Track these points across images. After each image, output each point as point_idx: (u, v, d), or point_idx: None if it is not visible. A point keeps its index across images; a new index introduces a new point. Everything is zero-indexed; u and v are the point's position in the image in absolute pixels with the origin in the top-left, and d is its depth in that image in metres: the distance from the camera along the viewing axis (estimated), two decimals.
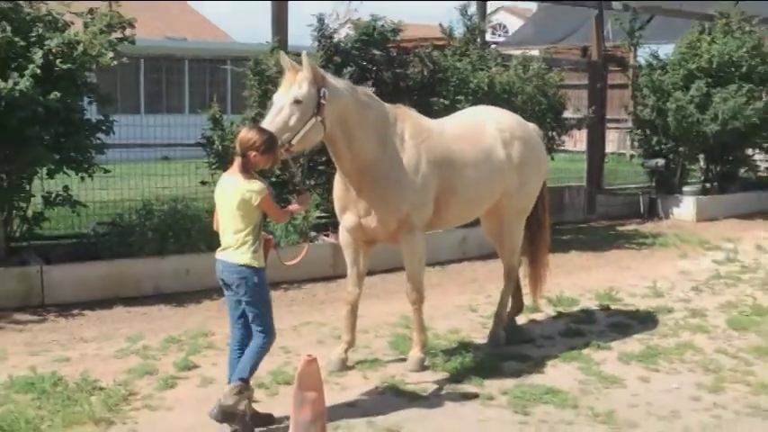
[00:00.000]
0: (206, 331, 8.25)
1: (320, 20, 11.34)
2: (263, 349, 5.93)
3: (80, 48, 9.21)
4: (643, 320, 8.92)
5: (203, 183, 11.09)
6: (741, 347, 8.03)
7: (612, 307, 9.51)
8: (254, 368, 5.91)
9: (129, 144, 11.79)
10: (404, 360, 7.40)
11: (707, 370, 7.39)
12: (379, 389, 6.82)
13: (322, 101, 6.31)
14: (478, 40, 13.47)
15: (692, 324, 8.81)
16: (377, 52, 11.46)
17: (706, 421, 6.26)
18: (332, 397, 6.32)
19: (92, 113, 10.00)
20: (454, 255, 11.59)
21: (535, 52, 20.19)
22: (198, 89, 26.40)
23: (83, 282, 9.31)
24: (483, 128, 7.76)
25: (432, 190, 7.07)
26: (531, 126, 8.51)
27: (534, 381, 7.01)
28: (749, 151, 17.28)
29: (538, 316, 9.07)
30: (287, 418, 5.71)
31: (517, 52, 15.14)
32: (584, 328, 8.63)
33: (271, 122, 6.16)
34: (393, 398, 6.63)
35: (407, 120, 7.13)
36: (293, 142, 6.21)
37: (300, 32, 11.84)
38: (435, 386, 6.89)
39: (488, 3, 14.15)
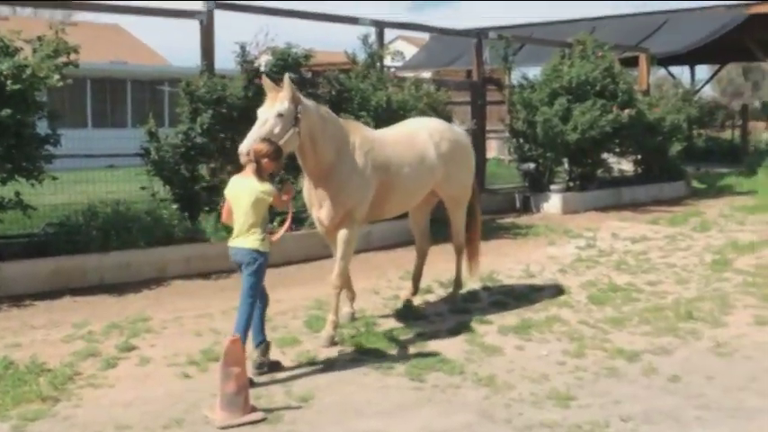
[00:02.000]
0: (144, 317, 7.99)
1: (242, 47, 11.20)
2: (252, 309, 6.15)
3: (29, 71, 8.92)
4: (518, 298, 8.95)
5: (143, 188, 10.77)
6: (599, 319, 8.11)
7: (493, 287, 9.53)
8: (247, 324, 6.11)
9: (76, 154, 11.38)
10: (317, 336, 7.27)
11: (571, 339, 7.43)
12: (296, 362, 6.66)
13: (299, 115, 6.53)
14: (378, 64, 13.39)
15: (559, 300, 8.88)
16: (292, 75, 11.28)
17: (570, 382, 6.28)
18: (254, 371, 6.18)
19: (42, 128, 9.61)
20: (360, 246, 11.42)
21: (427, 74, 20.24)
22: (139, 106, 25.79)
23: (34, 275, 8.95)
24: (416, 135, 8.06)
25: (372, 189, 7.30)
26: (459, 130, 9.04)
27: (428, 352, 6.96)
28: (604, 155, 17.58)
29: (430, 297, 9.02)
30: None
31: (411, 75, 15.13)
32: (470, 305, 8.62)
33: (258, 131, 6.33)
34: (307, 370, 6.50)
35: (358, 133, 7.41)
36: None
37: (226, 57, 11.60)
38: (343, 359, 6.78)
39: (386, 32, 14.07)
